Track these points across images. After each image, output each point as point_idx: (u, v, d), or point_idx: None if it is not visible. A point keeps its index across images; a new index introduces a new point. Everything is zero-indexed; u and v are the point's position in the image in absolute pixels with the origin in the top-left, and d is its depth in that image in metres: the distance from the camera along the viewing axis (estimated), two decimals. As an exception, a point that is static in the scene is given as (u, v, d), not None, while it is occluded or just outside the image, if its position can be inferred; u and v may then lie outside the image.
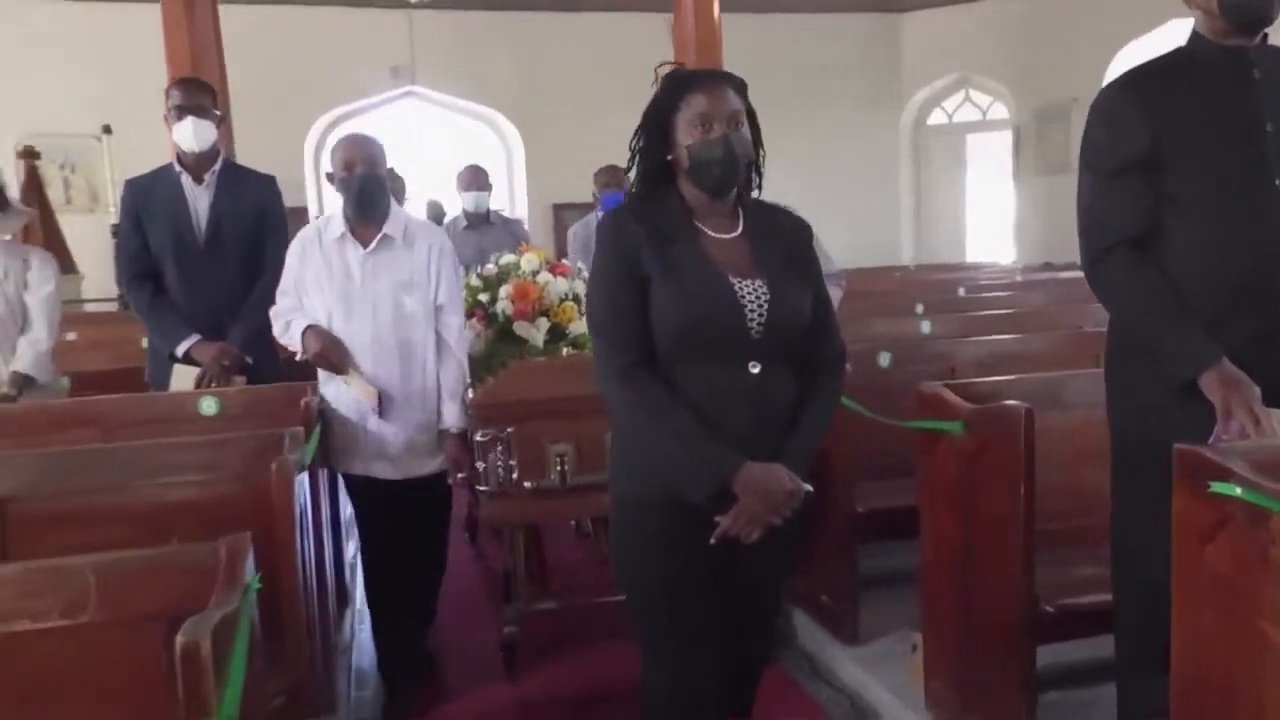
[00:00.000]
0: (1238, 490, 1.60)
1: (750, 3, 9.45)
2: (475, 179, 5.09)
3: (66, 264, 7.45)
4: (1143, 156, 1.95)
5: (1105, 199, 2.01)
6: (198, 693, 1.05)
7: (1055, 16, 9.74)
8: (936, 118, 11.49)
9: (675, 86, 1.88)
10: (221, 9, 5.89)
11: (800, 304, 1.89)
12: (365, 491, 2.95)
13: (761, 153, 1.95)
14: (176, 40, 5.47)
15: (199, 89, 3.31)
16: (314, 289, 2.84)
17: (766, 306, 1.83)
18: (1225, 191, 1.92)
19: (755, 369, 1.82)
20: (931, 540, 2.55)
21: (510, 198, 10.30)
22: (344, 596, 3.46)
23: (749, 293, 1.83)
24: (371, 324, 2.81)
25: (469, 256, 4.16)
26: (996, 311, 4.95)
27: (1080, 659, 2.61)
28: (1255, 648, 1.60)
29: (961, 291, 6.27)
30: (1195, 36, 2.00)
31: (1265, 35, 1.98)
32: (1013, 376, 2.76)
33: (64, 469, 2.22)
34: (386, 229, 2.83)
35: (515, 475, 2.83)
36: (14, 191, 3.38)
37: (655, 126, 1.90)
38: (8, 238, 3.42)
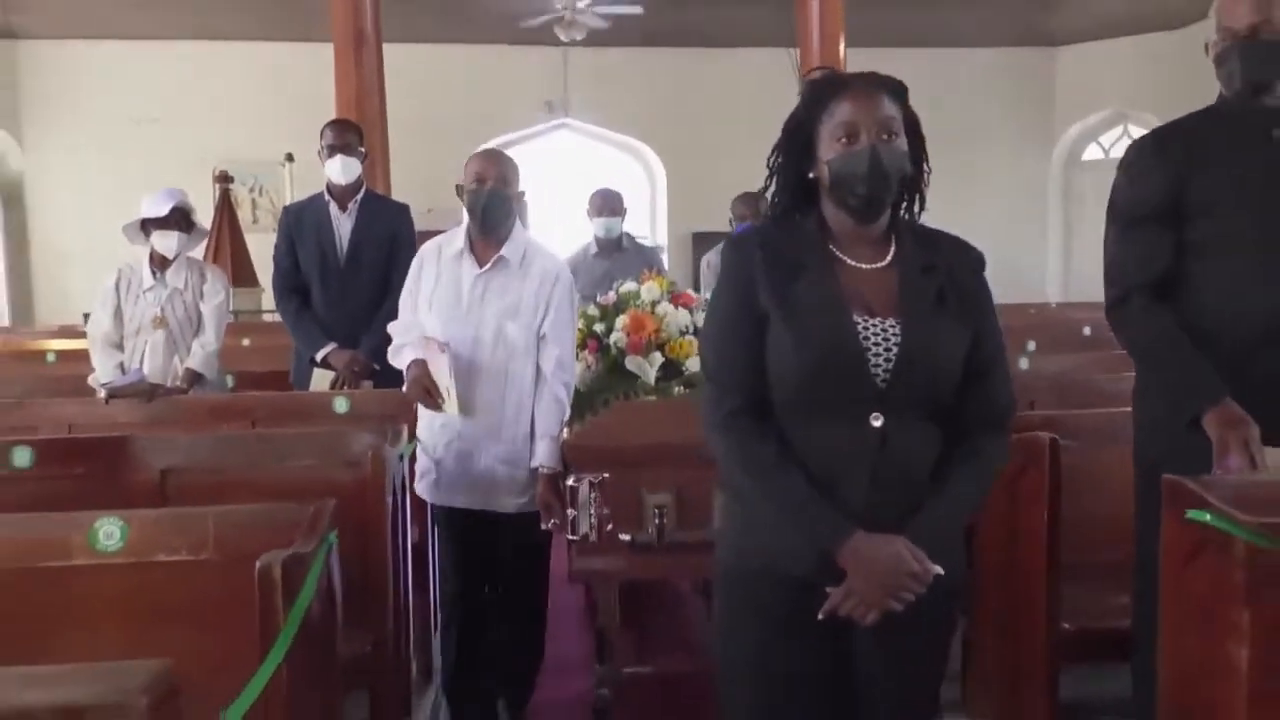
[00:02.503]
0: (1209, 517, 1.72)
1: (894, 38, 9.55)
2: (606, 204, 4.77)
3: (249, 278, 8.27)
4: (1163, 207, 2.08)
5: (1124, 247, 2.15)
6: (269, 609, 1.39)
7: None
8: (1091, 153, 11.20)
9: (818, 93, 1.63)
10: (389, 47, 6.53)
11: (946, 349, 1.58)
12: (446, 524, 2.80)
13: (926, 169, 1.67)
14: (345, 78, 6.12)
15: (347, 129, 3.80)
16: (424, 304, 2.77)
17: (896, 350, 1.55)
18: (1245, 240, 2.03)
19: (878, 423, 1.54)
20: (980, 555, 2.66)
21: (652, 225, 10.71)
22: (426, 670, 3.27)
23: (876, 333, 1.57)
24: (471, 346, 2.68)
25: (598, 284, 3.93)
26: (1112, 351, 4.91)
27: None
28: (1225, 667, 1.71)
29: (1087, 330, 6.17)
30: (1221, 98, 2.13)
31: None
32: (1080, 411, 2.85)
33: (214, 450, 2.66)
34: (504, 250, 2.72)
35: (609, 526, 2.57)
36: (199, 215, 3.91)
37: (796, 139, 1.65)
38: (191, 254, 3.99)
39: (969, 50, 10.48)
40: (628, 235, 4.99)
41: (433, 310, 2.75)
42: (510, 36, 9.19)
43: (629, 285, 3.42)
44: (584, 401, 3.06)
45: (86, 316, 7.78)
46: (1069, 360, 4.47)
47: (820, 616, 1.53)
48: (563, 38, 8.47)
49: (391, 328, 2.89)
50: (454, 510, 2.76)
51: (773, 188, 1.69)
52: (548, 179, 10.52)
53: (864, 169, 1.56)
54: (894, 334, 1.57)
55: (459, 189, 2.76)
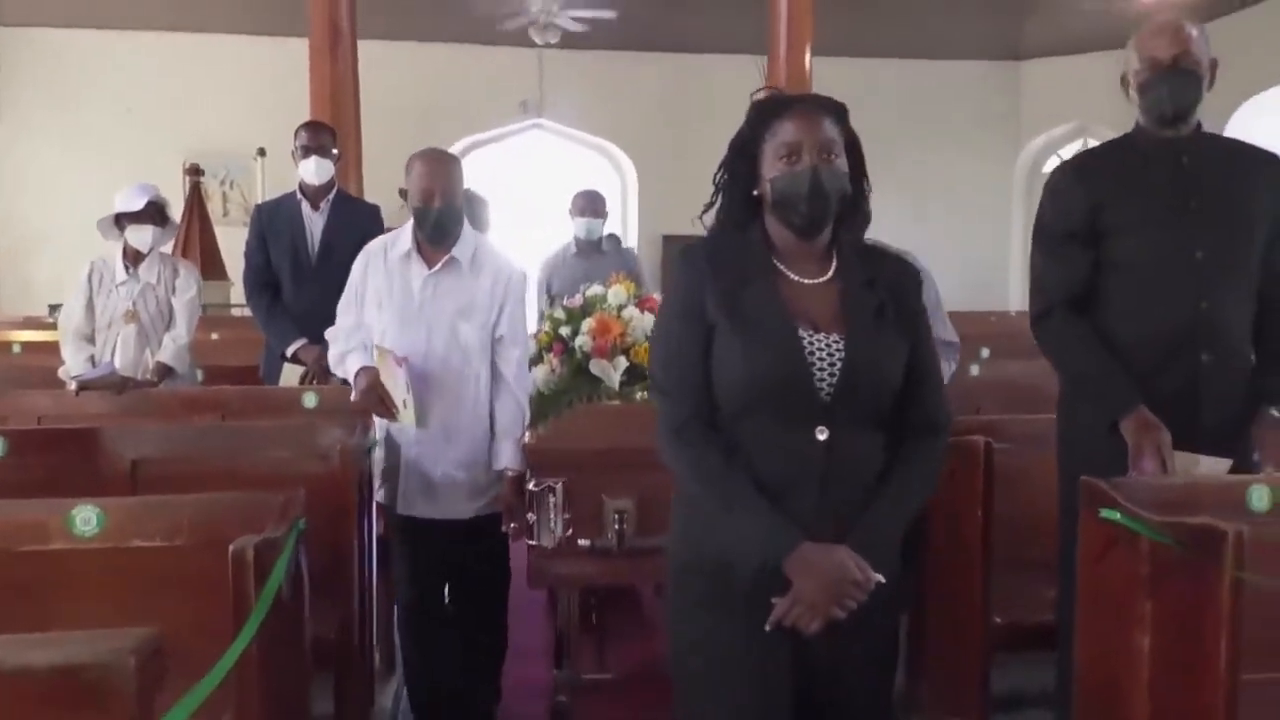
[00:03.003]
0: (1119, 516, 1.87)
1: (865, 47, 9.75)
2: (589, 204, 4.73)
3: (218, 272, 8.27)
4: (1082, 228, 2.24)
5: (1047, 265, 2.31)
6: (241, 589, 1.48)
7: (1178, 69, 9.67)
8: (1054, 164, 11.42)
9: (763, 113, 1.69)
10: (365, 43, 6.59)
11: (887, 362, 1.64)
12: (404, 532, 2.74)
13: (866, 187, 1.72)
14: (320, 74, 6.18)
15: (321, 131, 3.88)
16: (372, 304, 2.73)
17: (840, 364, 1.60)
18: (1153, 261, 2.18)
19: (823, 435, 1.58)
20: (923, 554, 2.79)
21: (623, 227, 10.82)
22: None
23: (820, 347, 1.61)
24: (424, 348, 2.65)
25: (576, 284, 3.82)
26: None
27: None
28: (1130, 654, 1.86)
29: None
30: (1137, 126, 2.28)
31: (1199, 124, 2.24)
32: (1017, 416, 2.99)
33: (184, 440, 2.74)
34: (455, 252, 2.70)
35: (569, 532, 2.55)
36: (172, 209, 3.97)
37: (741, 157, 1.70)
38: (164, 249, 4.04)
39: (938, 62, 10.69)
40: (611, 237, 4.93)
41: (382, 310, 2.70)
42: (487, 37, 9.27)
43: (595, 289, 3.39)
44: (547, 404, 3.05)
45: (51, 308, 7.85)
46: (1020, 367, 4.63)
47: (767, 628, 1.56)
48: (537, 40, 8.57)
49: (330, 334, 2.84)
50: (412, 519, 2.70)
51: (719, 203, 1.73)
52: (520, 178, 10.64)
53: (805, 189, 1.61)
54: (838, 348, 1.61)
55: (403, 192, 2.70)
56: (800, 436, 1.59)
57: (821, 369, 1.60)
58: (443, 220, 2.66)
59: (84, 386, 3.39)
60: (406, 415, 2.58)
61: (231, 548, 1.50)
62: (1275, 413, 2.13)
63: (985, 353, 5.27)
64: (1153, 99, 2.20)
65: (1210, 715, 1.67)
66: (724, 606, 1.64)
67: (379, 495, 2.81)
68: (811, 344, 1.61)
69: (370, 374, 2.63)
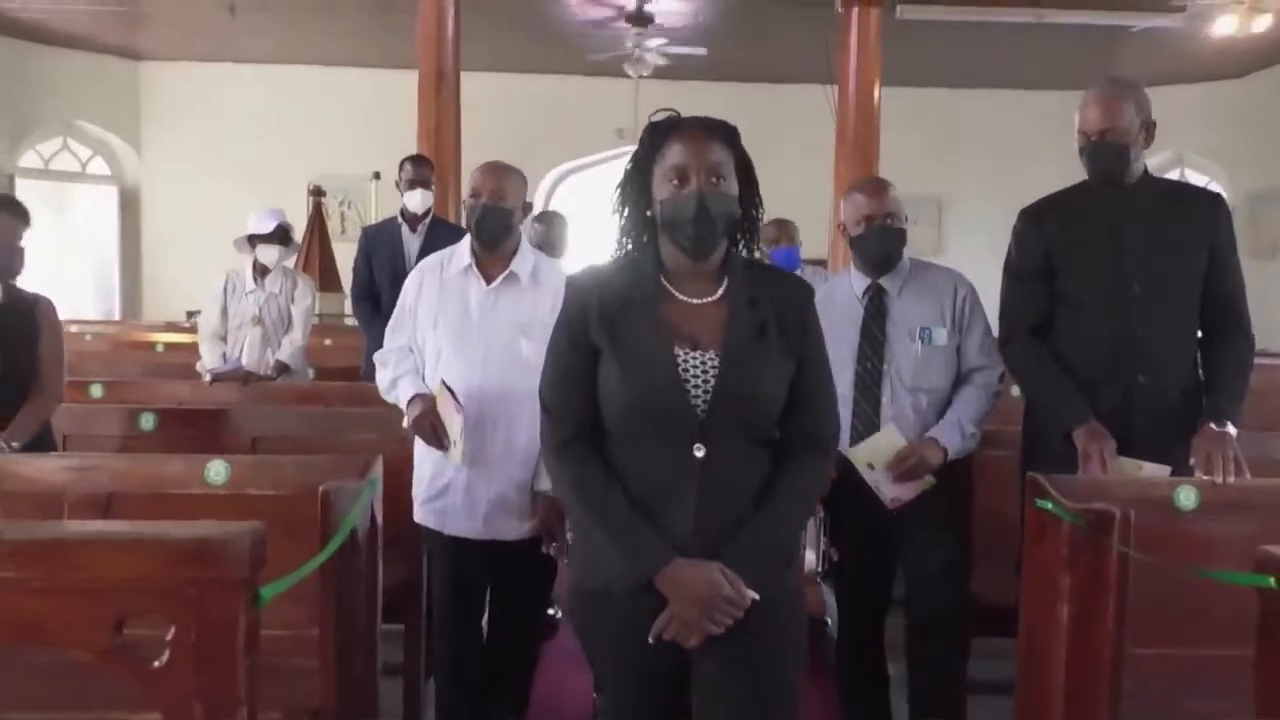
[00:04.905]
0: (1050, 504, 2.20)
1: (960, 79, 9.98)
2: None
3: (334, 285, 9.04)
4: (1039, 266, 2.60)
5: (1011, 297, 2.68)
6: (327, 520, 1.96)
7: (1276, 101, 9.60)
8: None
9: (654, 136, 1.70)
10: (470, 75, 7.20)
11: (764, 380, 1.67)
12: (447, 550, 2.67)
13: (759, 210, 1.76)
14: (427, 110, 6.82)
15: (424, 165, 4.50)
16: (426, 322, 2.65)
17: (713, 381, 1.64)
18: (1095, 295, 2.52)
19: (700, 452, 1.61)
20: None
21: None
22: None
23: (694, 365, 1.65)
24: (481, 366, 2.58)
25: None
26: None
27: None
28: (1055, 622, 2.18)
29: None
30: (1089, 179, 2.62)
31: (1145, 169, 2.55)
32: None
33: (293, 422, 3.33)
34: (514, 266, 2.64)
35: None
36: (296, 230, 4.62)
37: (636, 180, 1.73)
38: (288, 264, 4.67)
39: (1032, 92, 10.79)
40: None
41: (438, 328, 2.63)
42: (584, 68, 9.85)
43: None
44: None
45: (189, 314, 8.71)
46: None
47: (650, 640, 1.62)
48: (630, 73, 9.08)
49: (378, 357, 2.77)
50: (454, 539, 2.64)
51: (618, 225, 1.76)
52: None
53: (690, 212, 1.64)
54: (712, 366, 1.64)
55: (463, 203, 2.71)
56: (678, 453, 1.63)
57: (696, 386, 1.64)
58: (487, 216, 2.61)
59: (216, 379, 4.01)
60: (455, 454, 2.52)
61: (321, 488, 1.99)
62: (1214, 426, 2.41)
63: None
64: (1086, 167, 2.55)
65: (1102, 674, 1.99)
66: (612, 628, 1.70)
67: (419, 514, 2.70)
68: (686, 362, 1.65)
69: (426, 402, 2.56)
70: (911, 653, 2.68)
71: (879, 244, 2.61)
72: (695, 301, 1.71)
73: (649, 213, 1.72)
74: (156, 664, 1.41)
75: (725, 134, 1.71)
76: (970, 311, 2.65)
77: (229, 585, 1.41)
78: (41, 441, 2.82)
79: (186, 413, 3.36)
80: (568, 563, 1.87)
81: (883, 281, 2.66)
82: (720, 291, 1.72)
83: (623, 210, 1.76)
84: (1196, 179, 10.98)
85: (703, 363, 1.66)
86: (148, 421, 3.16)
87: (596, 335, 1.68)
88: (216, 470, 2.35)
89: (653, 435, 1.65)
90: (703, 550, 1.61)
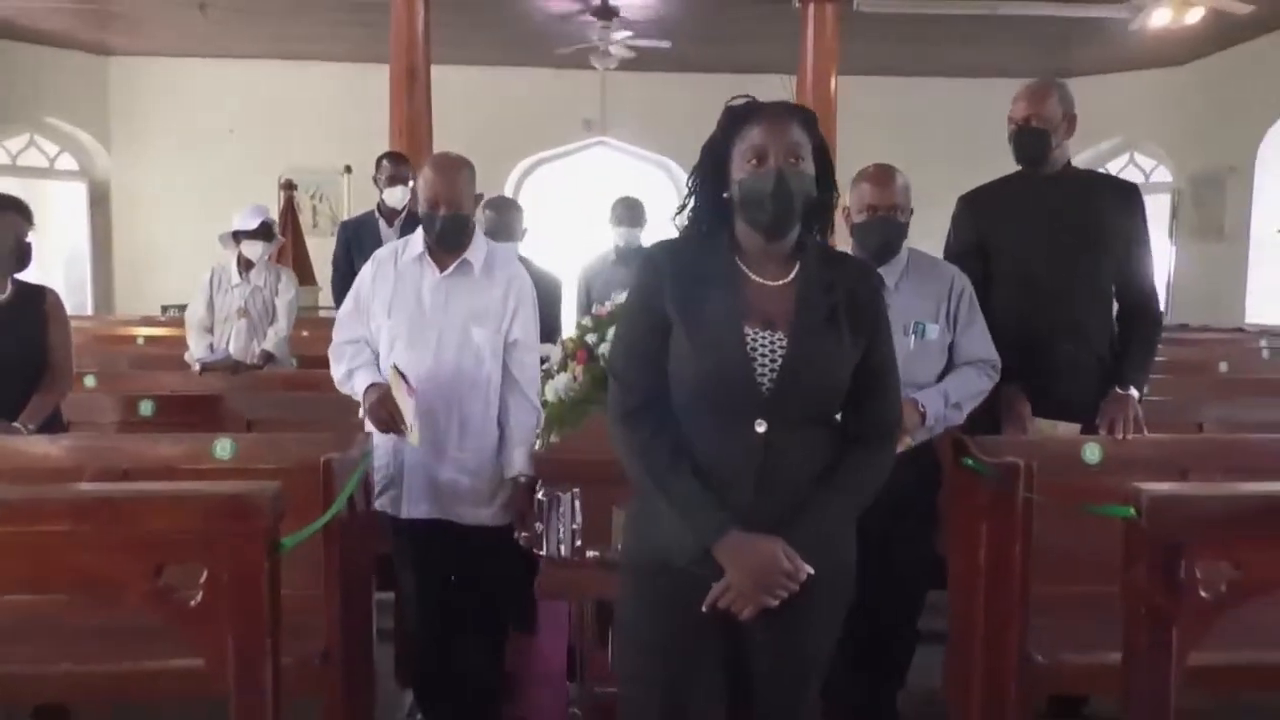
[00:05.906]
0: (970, 461, 2.49)
1: (895, 66, 10.27)
2: (628, 214, 4.73)
3: (308, 277, 9.16)
4: (973, 247, 2.88)
5: None
6: (329, 485, 2.22)
7: (1217, 87, 9.96)
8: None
9: (733, 119, 1.74)
10: (440, 68, 7.37)
11: (830, 362, 1.69)
12: (407, 538, 2.72)
13: (835, 195, 1.78)
14: (399, 106, 7.01)
15: (402, 162, 4.74)
16: (380, 311, 2.70)
17: (780, 360, 1.67)
18: (1024, 274, 2.80)
19: (761, 429, 1.65)
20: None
21: (679, 238, 11.48)
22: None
23: (764, 344, 1.68)
24: (434, 353, 2.65)
25: (615, 292, 3.48)
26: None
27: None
28: (975, 568, 2.47)
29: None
30: (1016, 161, 2.89)
31: (1069, 161, 2.83)
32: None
33: (288, 406, 3.60)
34: (467, 254, 2.70)
35: (578, 542, 2.48)
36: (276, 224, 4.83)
37: (712, 161, 1.75)
38: (270, 258, 4.87)
39: (993, 81, 11.10)
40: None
41: (392, 316, 2.69)
42: (553, 61, 10.04)
43: (622, 297, 2.91)
44: (567, 413, 2.99)
45: (164, 308, 8.81)
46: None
47: (704, 608, 1.65)
48: (597, 66, 9.28)
49: (332, 351, 2.79)
50: (415, 523, 2.70)
51: (691, 205, 1.79)
52: (584, 192, 11.38)
53: (770, 188, 1.66)
54: (781, 346, 1.67)
55: (412, 194, 2.81)
56: (741, 429, 1.66)
57: (763, 364, 1.67)
58: (448, 227, 2.66)
59: (205, 368, 4.23)
60: (413, 436, 2.59)
61: (323, 458, 2.24)
62: (1119, 391, 2.72)
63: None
64: (1013, 151, 2.82)
65: (1013, 608, 2.28)
66: (665, 604, 1.71)
67: (378, 502, 2.73)
68: (756, 340, 1.68)
69: (381, 389, 2.62)
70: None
71: (878, 235, 2.62)
72: (769, 283, 1.74)
73: (725, 194, 1.74)
74: (193, 603, 1.66)
75: (803, 118, 1.75)
76: (968, 308, 2.65)
77: (257, 534, 1.66)
78: (54, 425, 3.03)
79: (183, 399, 3.58)
80: (621, 543, 1.90)
81: (879, 272, 2.79)
82: (793, 275, 1.75)
83: (697, 191, 1.78)
84: (1145, 163, 11.42)
85: (771, 342, 1.69)
86: (147, 408, 3.37)
87: (671, 309, 1.71)
88: (223, 447, 2.59)
89: (718, 409, 1.69)
90: (761, 525, 1.65)
